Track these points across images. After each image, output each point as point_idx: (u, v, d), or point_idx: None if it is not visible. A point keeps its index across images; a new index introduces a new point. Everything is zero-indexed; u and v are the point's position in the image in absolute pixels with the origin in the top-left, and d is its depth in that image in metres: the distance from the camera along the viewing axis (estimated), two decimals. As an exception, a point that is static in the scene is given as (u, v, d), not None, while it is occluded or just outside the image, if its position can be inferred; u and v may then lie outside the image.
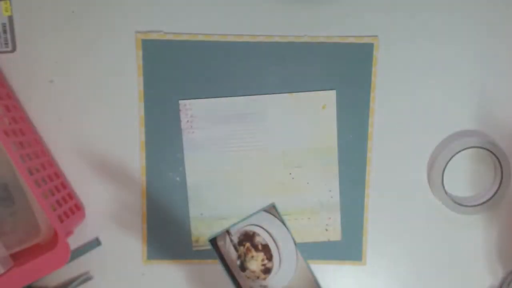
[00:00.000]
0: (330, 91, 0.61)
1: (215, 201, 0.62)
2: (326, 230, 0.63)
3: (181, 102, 0.60)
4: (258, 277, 0.61)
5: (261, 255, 0.61)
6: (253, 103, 0.61)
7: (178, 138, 0.61)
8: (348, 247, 0.63)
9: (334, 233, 0.63)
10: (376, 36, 0.60)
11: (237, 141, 0.61)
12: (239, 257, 0.61)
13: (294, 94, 0.61)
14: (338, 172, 0.62)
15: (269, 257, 0.61)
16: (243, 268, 0.61)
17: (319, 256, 0.63)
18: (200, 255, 0.62)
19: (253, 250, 0.61)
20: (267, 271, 0.61)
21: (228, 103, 0.60)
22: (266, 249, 0.61)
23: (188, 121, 0.60)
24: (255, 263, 0.61)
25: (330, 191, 0.62)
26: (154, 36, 0.59)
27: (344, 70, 0.60)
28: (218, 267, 0.61)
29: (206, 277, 0.63)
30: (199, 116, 0.60)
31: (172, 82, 0.60)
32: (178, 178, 0.61)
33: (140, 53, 0.59)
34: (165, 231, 0.61)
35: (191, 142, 0.61)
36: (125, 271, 0.62)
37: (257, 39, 0.60)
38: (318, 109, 0.61)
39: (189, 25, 0.59)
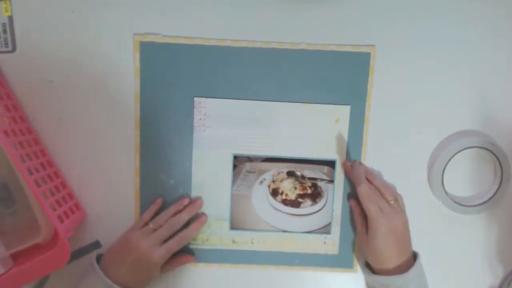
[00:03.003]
0: (345, 106, 0.61)
1: (218, 202, 0.62)
2: (324, 243, 0.63)
3: (196, 99, 0.60)
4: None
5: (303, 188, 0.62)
6: (266, 109, 0.61)
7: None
8: (343, 258, 0.63)
9: (332, 247, 0.63)
10: (373, 45, 0.60)
11: (245, 144, 0.61)
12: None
13: (308, 104, 0.61)
14: (343, 184, 0.63)
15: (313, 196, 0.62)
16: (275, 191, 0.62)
17: (315, 264, 0.63)
18: (197, 255, 0.62)
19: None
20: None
21: (241, 105, 0.60)
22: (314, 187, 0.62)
23: (200, 119, 0.60)
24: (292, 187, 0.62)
25: (333, 203, 0.62)
26: (152, 39, 0.59)
27: (340, 78, 0.60)
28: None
29: (204, 278, 0.63)
30: (212, 115, 0.60)
31: (169, 83, 0.60)
32: (172, 181, 0.61)
33: (138, 55, 0.59)
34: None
35: (201, 140, 0.61)
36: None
37: (254, 45, 0.60)
38: (331, 122, 0.61)
39: (187, 28, 0.59)
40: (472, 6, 0.61)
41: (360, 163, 0.62)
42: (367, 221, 0.57)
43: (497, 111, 0.62)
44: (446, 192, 0.61)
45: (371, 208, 0.55)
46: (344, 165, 0.62)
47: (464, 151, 0.61)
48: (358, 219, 0.60)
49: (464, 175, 0.63)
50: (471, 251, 0.64)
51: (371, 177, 0.59)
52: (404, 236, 0.56)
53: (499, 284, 0.65)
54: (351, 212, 0.62)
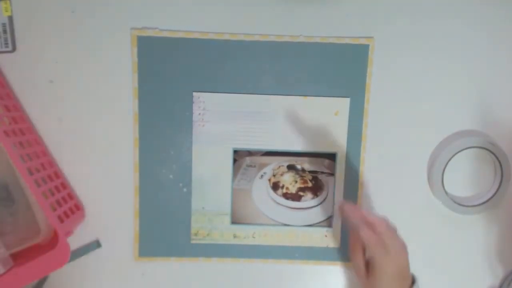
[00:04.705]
0: (344, 98, 0.61)
1: (218, 196, 0.62)
2: (326, 236, 0.63)
3: (194, 94, 0.60)
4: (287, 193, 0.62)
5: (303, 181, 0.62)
6: (265, 103, 0.61)
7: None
8: (345, 251, 0.63)
9: (333, 240, 0.63)
10: (372, 37, 0.60)
11: (245, 139, 0.61)
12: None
13: (308, 97, 0.61)
14: (343, 177, 0.62)
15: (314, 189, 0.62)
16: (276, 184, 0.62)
17: (317, 257, 0.64)
18: (198, 250, 0.62)
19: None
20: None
21: (240, 100, 0.60)
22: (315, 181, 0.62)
23: (200, 113, 0.60)
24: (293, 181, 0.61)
25: (334, 196, 0.62)
26: (149, 33, 0.59)
27: (340, 71, 0.60)
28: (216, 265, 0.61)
29: (205, 275, 0.63)
30: (211, 110, 0.60)
31: (167, 78, 0.60)
32: (171, 176, 0.61)
33: (135, 49, 0.59)
34: (162, 227, 0.61)
35: (200, 135, 0.61)
36: (125, 271, 0.62)
37: (252, 38, 0.60)
38: (331, 115, 0.61)
39: (185, 22, 0.59)
40: (472, 4, 0.61)
41: (348, 203, 0.58)
42: (365, 255, 0.54)
43: (497, 111, 0.62)
44: (446, 192, 0.61)
45: (377, 252, 0.52)
46: (339, 210, 0.58)
47: (464, 151, 0.61)
48: (357, 255, 0.56)
49: (464, 175, 0.63)
50: (471, 251, 0.64)
51: (364, 214, 0.54)
52: (407, 270, 0.54)
53: (499, 284, 0.65)
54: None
